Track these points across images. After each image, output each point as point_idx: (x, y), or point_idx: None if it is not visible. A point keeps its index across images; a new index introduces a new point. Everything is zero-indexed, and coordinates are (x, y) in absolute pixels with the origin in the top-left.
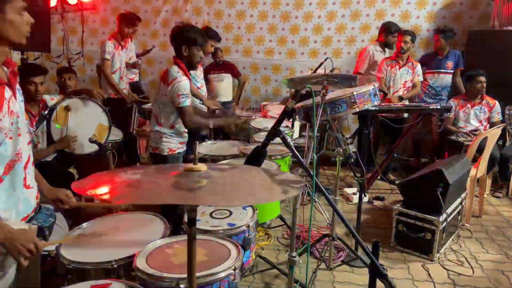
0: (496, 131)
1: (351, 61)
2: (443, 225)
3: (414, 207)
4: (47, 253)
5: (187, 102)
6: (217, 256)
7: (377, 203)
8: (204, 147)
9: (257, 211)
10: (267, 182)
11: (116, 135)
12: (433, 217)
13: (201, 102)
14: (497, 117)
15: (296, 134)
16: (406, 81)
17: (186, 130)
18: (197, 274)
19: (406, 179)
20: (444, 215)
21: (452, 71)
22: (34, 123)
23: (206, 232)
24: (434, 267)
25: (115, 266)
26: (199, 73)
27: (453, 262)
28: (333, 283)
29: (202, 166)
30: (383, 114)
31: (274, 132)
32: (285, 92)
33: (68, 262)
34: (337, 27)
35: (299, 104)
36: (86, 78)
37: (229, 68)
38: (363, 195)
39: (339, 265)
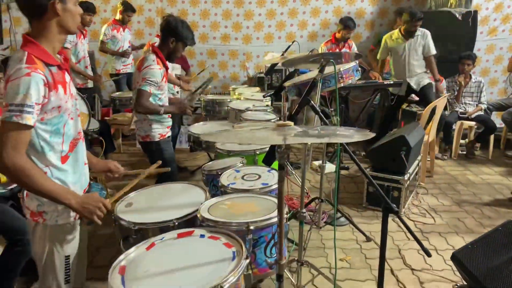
0: (443, 100)
1: (304, 44)
2: (407, 183)
3: (381, 170)
4: None
5: (147, 87)
6: (265, 207)
7: (343, 172)
8: (196, 128)
9: None
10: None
11: (93, 124)
12: (399, 177)
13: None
14: (444, 92)
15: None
16: None
17: (170, 114)
18: (258, 219)
19: (374, 146)
20: (408, 175)
21: None
22: None
23: (246, 191)
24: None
25: (176, 223)
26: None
27: (416, 214)
28: (321, 240)
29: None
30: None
31: (305, 100)
32: (243, 76)
33: (134, 224)
34: (289, 12)
35: (289, 82)
36: None
37: (181, 59)
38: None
39: (325, 225)
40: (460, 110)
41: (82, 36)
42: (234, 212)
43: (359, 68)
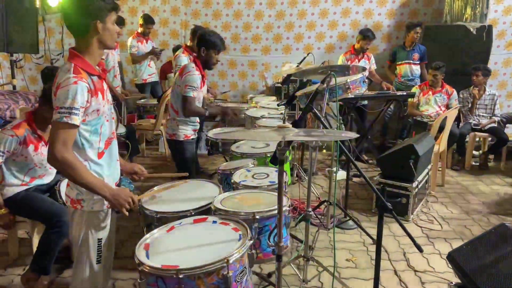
0: (454, 112)
1: (321, 55)
2: (415, 190)
3: (391, 177)
4: None
5: (191, 93)
6: (271, 200)
7: (356, 179)
8: (213, 133)
9: (287, 175)
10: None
11: (119, 128)
12: (408, 184)
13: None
14: (455, 103)
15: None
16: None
17: (198, 119)
18: (263, 209)
19: (384, 154)
20: (416, 182)
21: (418, 62)
22: None
23: (255, 187)
24: (409, 225)
25: (193, 213)
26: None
27: (424, 221)
28: (330, 242)
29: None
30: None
31: (307, 108)
32: (261, 86)
33: (156, 213)
34: (308, 24)
35: (300, 92)
36: None
37: None
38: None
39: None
40: (474, 122)
41: (113, 48)
42: (243, 204)
43: (366, 80)
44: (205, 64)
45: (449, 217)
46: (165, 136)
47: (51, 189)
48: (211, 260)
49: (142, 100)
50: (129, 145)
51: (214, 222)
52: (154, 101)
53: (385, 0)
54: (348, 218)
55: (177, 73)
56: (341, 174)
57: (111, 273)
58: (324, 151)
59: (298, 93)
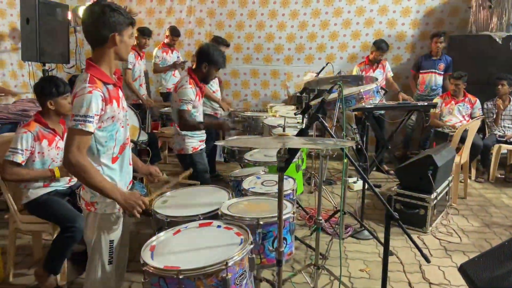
0: (476, 123)
1: (343, 65)
2: (434, 202)
3: (409, 188)
4: None
5: (185, 106)
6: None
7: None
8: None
9: (296, 182)
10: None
11: (143, 135)
12: (426, 195)
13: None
14: (478, 112)
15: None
16: (380, 81)
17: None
18: (268, 215)
19: (402, 164)
20: (435, 194)
21: (443, 73)
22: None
23: (263, 194)
24: (428, 237)
25: (201, 218)
26: (215, 80)
27: (443, 233)
28: (344, 252)
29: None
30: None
31: (314, 117)
32: (283, 95)
33: (166, 217)
34: (330, 34)
35: (315, 101)
36: None
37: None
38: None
39: (348, 237)
40: (499, 133)
41: (139, 58)
42: (249, 210)
43: (381, 90)
44: (204, 79)
45: (469, 230)
46: (174, 152)
47: (72, 193)
48: (211, 263)
49: (166, 109)
50: (149, 151)
51: (219, 226)
52: None
53: (408, 10)
54: (363, 228)
55: (174, 89)
56: (360, 184)
57: (126, 275)
58: (346, 160)
59: (312, 102)
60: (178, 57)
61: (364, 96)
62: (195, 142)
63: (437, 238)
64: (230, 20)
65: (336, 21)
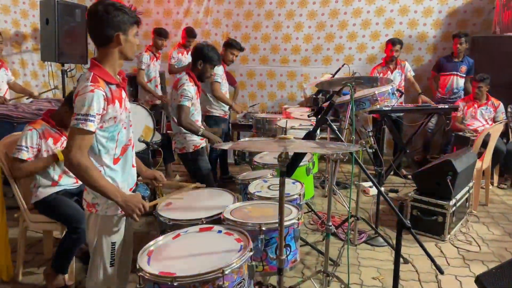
0: (498, 127)
1: (362, 67)
2: (453, 209)
3: (426, 194)
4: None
5: (186, 102)
6: None
7: (392, 195)
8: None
9: (304, 186)
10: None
11: (156, 137)
12: (444, 202)
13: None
14: (502, 116)
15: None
16: (400, 82)
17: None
18: (271, 221)
19: (420, 169)
20: (454, 200)
21: (465, 75)
22: None
23: (268, 198)
24: (445, 245)
25: (204, 222)
26: (224, 81)
27: (462, 241)
28: (357, 258)
29: (290, 136)
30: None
31: (322, 120)
32: (300, 97)
33: (169, 220)
34: (349, 35)
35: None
36: None
37: (230, 77)
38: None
39: (361, 244)
40: None
41: (155, 59)
42: (252, 215)
43: (396, 92)
44: (200, 76)
45: (490, 239)
46: (175, 152)
47: (81, 192)
48: (207, 270)
49: None
50: (162, 152)
51: (220, 231)
52: None
53: (430, 10)
54: (377, 234)
55: (172, 88)
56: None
57: (131, 276)
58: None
59: (325, 104)
60: None
61: (378, 98)
62: (196, 140)
63: (455, 247)
64: (247, 20)
65: (355, 21)
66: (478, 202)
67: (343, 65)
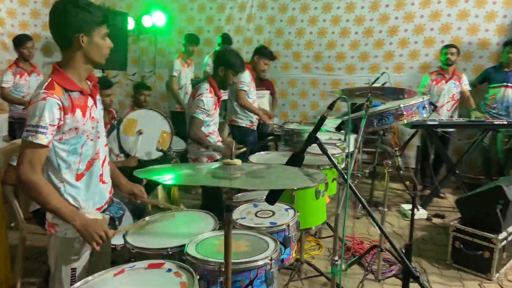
0: None
1: (414, 76)
2: (503, 243)
3: (472, 224)
4: (113, 246)
5: (200, 115)
6: (256, 248)
7: (436, 220)
8: (256, 157)
9: (298, 213)
10: (291, 174)
11: (180, 145)
12: (492, 235)
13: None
14: None
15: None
16: (454, 94)
17: (220, 139)
18: (238, 260)
19: (466, 195)
20: (504, 234)
21: None
22: (106, 131)
23: (250, 228)
24: (492, 285)
25: (170, 252)
26: (252, 89)
27: None
28: None
29: (237, 161)
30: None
31: (311, 138)
32: (344, 107)
33: (132, 247)
34: (399, 41)
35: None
36: (157, 94)
37: (269, 85)
38: (416, 209)
39: (389, 277)
40: None
41: (186, 65)
42: (220, 250)
43: (426, 105)
44: (221, 83)
45: None
46: (189, 162)
47: None
48: None
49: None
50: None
51: (169, 270)
52: (220, 119)
53: (494, 14)
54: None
55: (190, 95)
56: (421, 213)
57: None
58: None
59: (345, 118)
60: None
61: (404, 112)
62: (210, 152)
63: None
64: (290, 27)
65: (406, 26)
66: None
67: (382, 74)
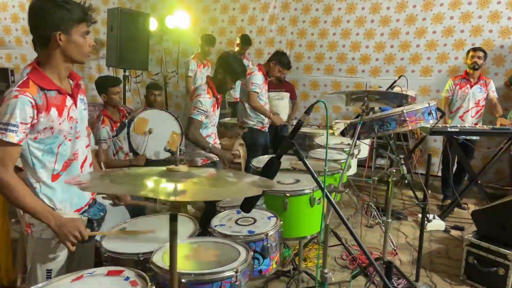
0: None
1: (443, 80)
2: None
3: (488, 238)
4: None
5: (198, 116)
6: (226, 258)
7: (454, 232)
8: (259, 160)
9: (281, 222)
10: (240, 184)
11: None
12: (508, 251)
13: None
14: None
15: (364, 153)
16: (479, 100)
17: (217, 142)
18: (200, 271)
19: (483, 207)
20: None
21: None
22: (115, 129)
23: (226, 236)
24: None
25: (141, 258)
26: (264, 91)
27: None
28: None
29: (183, 167)
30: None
31: (288, 144)
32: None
33: (105, 251)
34: (427, 44)
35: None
36: (179, 94)
37: (290, 88)
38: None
39: None
40: None
41: (202, 66)
42: (187, 260)
43: (433, 112)
44: (219, 87)
45: None
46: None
47: None
48: None
49: (227, 119)
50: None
51: (127, 278)
52: (234, 121)
53: (498, 15)
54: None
55: (189, 96)
56: (438, 224)
57: None
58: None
59: (347, 124)
60: (248, 66)
61: (407, 118)
62: (205, 154)
63: None
64: (313, 28)
65: (435, 28)
66: None
67: (399, 77)
